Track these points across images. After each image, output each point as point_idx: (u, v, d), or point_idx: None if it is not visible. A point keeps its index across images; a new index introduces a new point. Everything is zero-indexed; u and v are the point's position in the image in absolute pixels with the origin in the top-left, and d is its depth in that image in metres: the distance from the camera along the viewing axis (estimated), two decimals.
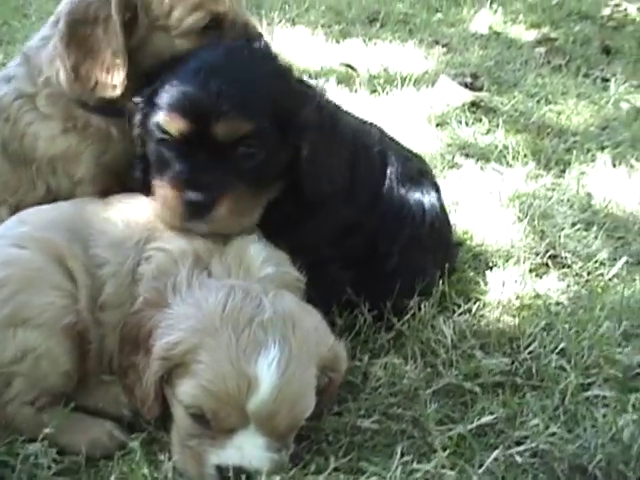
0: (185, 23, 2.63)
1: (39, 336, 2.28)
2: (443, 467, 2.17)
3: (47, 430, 2.20)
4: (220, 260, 2.33)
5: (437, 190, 3.02)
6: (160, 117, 2.44)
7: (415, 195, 2.86)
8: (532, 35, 6.56)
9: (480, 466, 2.18)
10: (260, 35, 2.78)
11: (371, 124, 3.03)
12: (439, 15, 7.14)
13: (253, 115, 2.40)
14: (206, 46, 2.61)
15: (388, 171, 2.81)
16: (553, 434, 2.31)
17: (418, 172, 2.96)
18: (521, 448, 2.26)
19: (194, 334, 2.07)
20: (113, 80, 2.62)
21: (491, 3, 7.25)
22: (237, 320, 2.06)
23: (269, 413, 2.00)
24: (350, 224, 2.73)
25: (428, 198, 2.89)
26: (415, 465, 2.18)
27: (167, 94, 2.44)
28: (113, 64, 2.61)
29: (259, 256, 2.37)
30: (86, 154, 2.77)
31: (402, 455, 2.21)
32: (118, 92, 2.62)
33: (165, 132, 2.44)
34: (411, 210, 2.83)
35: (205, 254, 2.34)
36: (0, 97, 2.85)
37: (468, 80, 5.27)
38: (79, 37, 2.63)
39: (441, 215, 2.97)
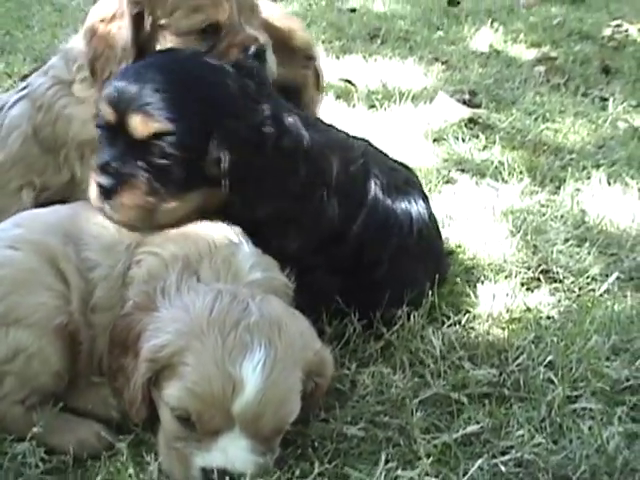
0: (183, 24, 2.73)
1: (31, 335, 2.30)
2: (427, 475, 2.17)
3: (35, 429, 2.23)
4: (209, 265, 2.34)
5: (425, 199, 3.04)
6: (99, 106, 2.59)
7: (402, 204, 2.88)
8: (532, 54, 6.58)
9: (464, 474, 2.19)
10: (260, 47, 2.81)
11: (356, 138, 3.06)
12: (440, 33, 7.16)
13: (168, 116, 2.46)
14: (170, 50, 2.73)
15: (372, 182, 2.83)
16: (538, 444, 2.32)
17: (404, 182, 2.97)
18: (506, 458, 2.27)
19: (181, 337, 2.09)
20: None
21: (492, 22, 7.29)
22: (223, 323, 2.07)
23: (254, 415, 2.01)
24: (333, 234, 2.75)
25: (416, 207, 2.91)
26: (399, 472, 2.19)
27: (109, 85, 2.60)
28: (123, 57, 2.74)
29: (248, 261, 2.39)
30: None
31: (387, 462, 2.22)
32: None
33: (100, 120, 2.60)
34: (398, 219, 2.84)
35: (195, 258, 2.36)
36: (36, 87, 2.98)
37: (466, 97, 5.28)
38: (98, 33, 2.79)
39: (429, 224, 2.99)
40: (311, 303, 2.43)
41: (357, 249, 2.77)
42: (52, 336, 2.34)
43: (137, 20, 2.75)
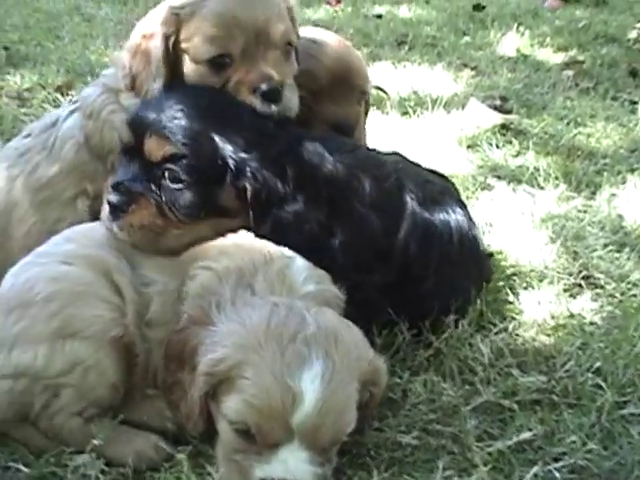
0: (199, 51, 2.75)
1: (88, 348, 2.33)
2: None
3: (96, 442, 2.25)
4: (264, 278, 2.35)
5: (462, 207, 3.05)
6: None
7: (440, 215, 2.88)
8: (559, 58, 6.60)
9: None
10: (273, 87, 2.75)
11: (387, 154, 3.07)
12: (467, 38, 7.21)
13: (182, 141, 2.54)
14: (195, 85, 2.80)
15: (408, 197, 2.84)
16: (590, 451, 2.34)
17: (440, 192, 2.98)
18: (559, 464, 2.30)
19: (238, 350, 2.09)
20: (155, 89, 2.81)
21: (518, 26, 7.30)
22: (281, 336, 2.08)
23: (313, 427, 2.02)
24: (377, 251, 2.76)
25: (454, 216, 2.92)
26: None
27: (132, 112, 2.74)
28: (157, 75, 2.81)
29: (301, 274, 2.41)
30: None
31: (443, 470, 2.25)
32: None
33: (120, 143, 2.70)
34: (438, 230, 2.85)
35: (249, 271, 2.37)
36: (87, 96, 3.06)
37: (497, 102, 5.30)
38: (139, 49, 2.86)
39: (469, 230, 2.99)
40: (362, 318, 2.42)
41: (403, 265, 2.78)
42: (108, 348, 2.36)
43: (168, 40, 2.80)
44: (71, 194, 2.99)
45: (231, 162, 2.55)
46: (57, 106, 4.91)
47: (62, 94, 5.17)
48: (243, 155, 2.56)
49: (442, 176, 3.22)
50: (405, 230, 2.80)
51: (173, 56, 2.81)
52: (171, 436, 2.39)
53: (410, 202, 2.84)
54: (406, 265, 2.79)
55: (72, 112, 3.06)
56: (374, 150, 3.11)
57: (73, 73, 5.74)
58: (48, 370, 2.30)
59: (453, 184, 3.29)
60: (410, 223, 2.82)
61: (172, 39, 2.79)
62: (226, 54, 2.74)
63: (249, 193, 2.55)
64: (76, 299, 2.37)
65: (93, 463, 2.24)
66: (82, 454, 2.27)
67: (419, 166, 3.14)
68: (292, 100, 2.81)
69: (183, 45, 2.79)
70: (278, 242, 2.52)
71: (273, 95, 2.73)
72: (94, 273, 2.44)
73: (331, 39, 3.37)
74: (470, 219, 3.07)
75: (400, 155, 3.12)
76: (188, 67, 2.80)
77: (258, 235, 2.56)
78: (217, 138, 2.56)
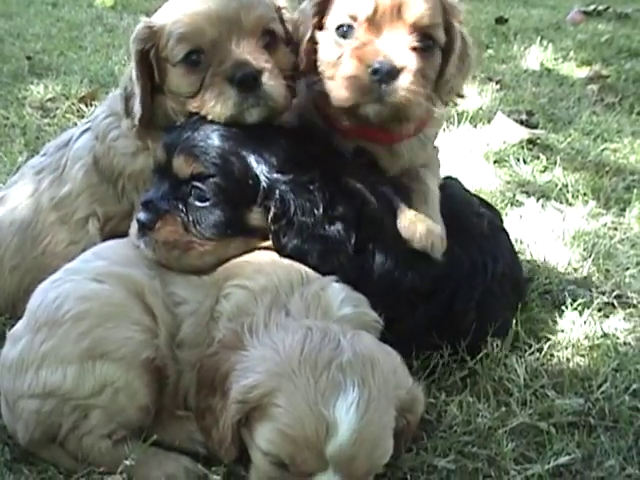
0: (174, 53, 2.70)
1: (117, 370, 2.30)
2: None
3: (128, 462, 2.22)
4: (300, 299, 2.32)
5: (506, 236, 3.06)
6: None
7: (486, 248, 2.85)
8: (583, 72, 6.56)
9: None
10: (248, 73, 2.62)
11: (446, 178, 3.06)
12: (490, 51, 7.17)
13: (211, 161, 2.53)
14: None
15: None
16: (630, 476, 2.33)
17: (489, 226, 2.95)
18: None
19: (271, 377, 2.05)
20: (136, 109, 2.81)
21: (541, 39, 7.28)
22: (315, 362, 2.03)
23: (348, 457, 1.97)
24: (420, 293, 2.70)
25: (500, 249, 2.91)
26: None
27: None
28: (136, 93, 2.80)
29: (338, 296, 2.37)
30: None
31: None
32: (137, 122, 2.81)
33: (154, 162, 2.71)
34: (484, 265, 2.81)
35: (285, 291, 2.34)
36: (95, 116, 3.06)
37: (523, 117, 5.28)
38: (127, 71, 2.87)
39: (511, 260, 2.98)
40: (403, 346, 2.37)
41: (447, 300, 2.74)
42: (139, 370, 2.33)
43: (144, 56, 2.76)
44: (82, 215, 2.97)
45: (264, 181, 2.52)
46: (81, 116, 4.95)
47: (86, 104, 5.17)
48: (277, 176, 2.53)
49: (489, 204, 3.23)
50: (453, 269, 2.75)
51: (159, 69, 2.79)
52: (202, 456, 2.37)
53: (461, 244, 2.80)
54: (450, 302, 2.75)
55: (84, 132, 3.06)
56: None
57: (96, 83, 5.73)
58: (77, 391, 2.28)
59: (498, 212, 3.31)
60: (458, 262, 2.77)
61: (152, 53, 2.76)
62: (197, 49, 2.66)
63: (270, 215, 2.52)
64: (106, 320, 2.34)
65: None
66: (113, 474, 2.25)
67: (469, 192, 3.14)
68: (274, 88, 2.64)
69: (162, 54, 2.75)
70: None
71: (248, 81, 2.60)
72: (126, 292, 2.41)
73: None
74: (512, 248, 3.07)
75: (454, 179, 3.13)
76: (169, 73, 2.76)
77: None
78: (251, 158, 2.54)
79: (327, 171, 2.61)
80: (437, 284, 2.72)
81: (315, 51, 2.69)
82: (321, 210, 2.52)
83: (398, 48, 2.48)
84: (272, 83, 2.62)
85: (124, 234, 2.71)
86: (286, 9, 2.85)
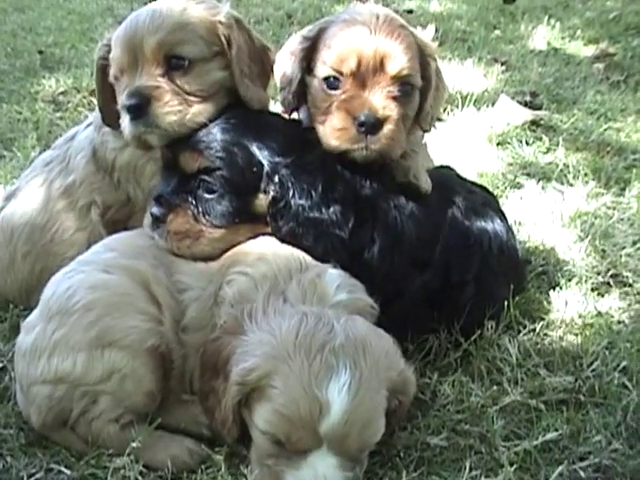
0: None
1: (124, 357, 2.40)
2: None
3: (134, 444, 2.32)
4: (297, 285, 2.41)
5: (502, 217, 3.10)
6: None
7: (480, 225, 2.94)
8: (590, 50, 6.61)
9: None
10: (135, 95, 2.69)
11: (437, 167, 3.19)
12: (497, 32, 7.21)
13: (216, 154, 2.63)
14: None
15: (449, 211, 2.90)
16: (615, 450, 2.39)
17: (482, 204, 3.04)
18: (584, 463, 2.35)
19: (268, 360, 2.15)
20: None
21: (549, 18, 7.29)
22: (309, 346, 2.13)
23: (341, 435, 2.07)
24: (414, 261, 2.80)
25: (492, 225, 2.97)
26: (483, 479, 2.28)
27: None
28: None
29: (334, 283, 2.45)
30: (149, 166, 3.01)
31: (470, 470, 2.31)
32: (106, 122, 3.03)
33: (163, 159, 2.82)
34: (478, 239, 2.90)
35: (283, 278, 2.44)
36: (96, 111, 3.16)
37: (527, 98, 5.33)
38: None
39: (508, 240, 3.04)
40: (400, 330, 2.48)
41: (443, 271, 2.83)
42: (145, 358, 2.43)
43: (104, 68, 2.87)
44: (84, 203, 3.09)
45: (266, 166, 2.62)
46: (92, 109, 4.96)
47: None
48: (278, 159, 2.63)
49: (485, 189, 3.30)
50: (444, 240, 2.85)
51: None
52: (206, 438, 2.46)
53: (451, 214, 2.91)
54: (446, 272, 2.84)
55: (88, 126, 3.19)
56: None
57: None
58: (86, 377, 2.38)
59: (495, 197, 3.36)
60: (450, 233, 2.87)
61: (108, 69, 2.85)
62: (117, 73, 2.78)
63: (268, 199, 2.63)
64: (114, 309, 2.44)
65: (132, 465, 2.31)
66: (121, 457, 2.34)
67: (464, 179, 3.22)
68: (163, 115, 2.68)
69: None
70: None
71: (134, 105, 2.67)
72: (132, 283, 2.51)
73: None
74: (509, 229, 3.12)
75: (450, 168, 3.24)
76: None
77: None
78: (253, 146, 2.64)
79: (326, 154, 2.72)
80: (431, 250, 2.82)
81: (304, 93, 2.85)
82: (320, 191, 2.63)
83: (381, 100, 2.67)
84: (162, 110, 2.68)
85: (124, 221, 2.97)
86: (235, 23, 2.84)
